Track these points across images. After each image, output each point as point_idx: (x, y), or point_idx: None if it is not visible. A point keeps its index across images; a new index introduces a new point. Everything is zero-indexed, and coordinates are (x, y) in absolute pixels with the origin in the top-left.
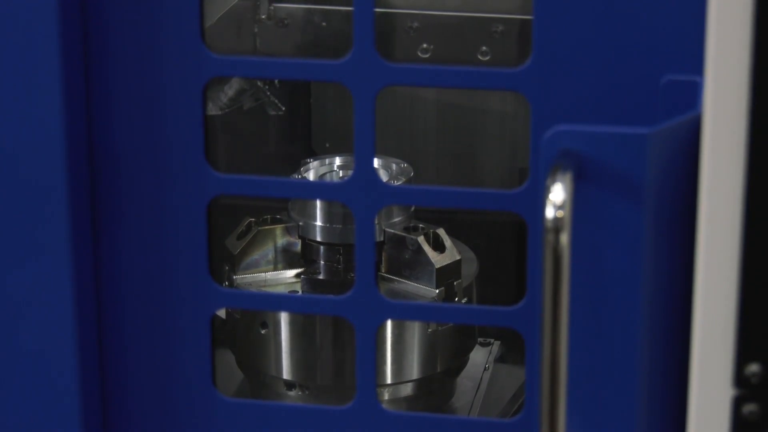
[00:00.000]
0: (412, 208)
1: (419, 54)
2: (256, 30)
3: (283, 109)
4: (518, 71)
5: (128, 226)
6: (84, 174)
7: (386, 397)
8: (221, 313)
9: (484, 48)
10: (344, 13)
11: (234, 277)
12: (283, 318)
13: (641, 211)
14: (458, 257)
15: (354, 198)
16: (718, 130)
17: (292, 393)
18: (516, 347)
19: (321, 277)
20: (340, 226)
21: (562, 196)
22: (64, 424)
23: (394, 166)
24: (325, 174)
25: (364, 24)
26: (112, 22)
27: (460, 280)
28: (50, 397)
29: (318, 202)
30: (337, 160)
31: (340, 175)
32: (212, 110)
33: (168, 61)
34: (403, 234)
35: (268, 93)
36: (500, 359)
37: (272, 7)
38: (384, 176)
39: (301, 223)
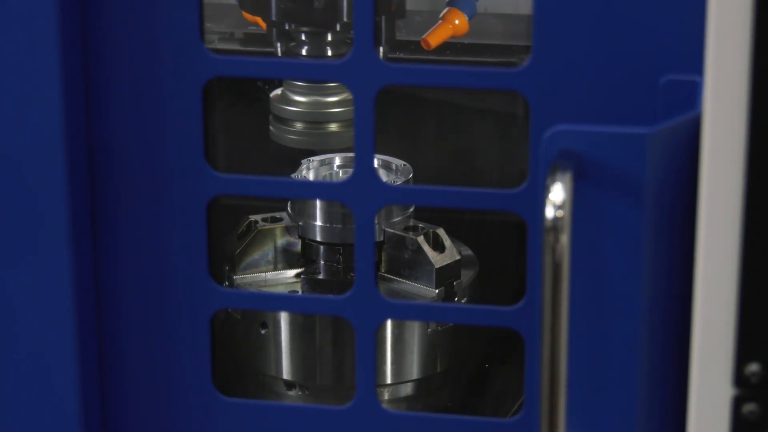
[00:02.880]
0: (412, 208)
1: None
2: None
3: None
4: (518, 71)
5: (128, 226)
6: (84, 174)
7: (386, 397)
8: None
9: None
10: None
11: (234, 277)
12: (283, 318)
13: (641, 211)
14: (458, 257)
15: (354, 198)
16: (718, 130)
17: (292, 393)
18: (516, 347)
19: (321, 277)
20: (340, 226)
21: (562, 196)
22: (64, 424)
23: (394, 166)
24: (325, 174)
25: (364, 24)
26: (112, 22)
27: (459, 280)
28: (50, 397)
29: (318, 202)
30: (337, 160)
31: (340, 175)
32: None
33: (168, 61)
34: (403, 234)
35: (268, 93)
36: (500, 359)
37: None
38: (384, 176)
39: (301, 223)
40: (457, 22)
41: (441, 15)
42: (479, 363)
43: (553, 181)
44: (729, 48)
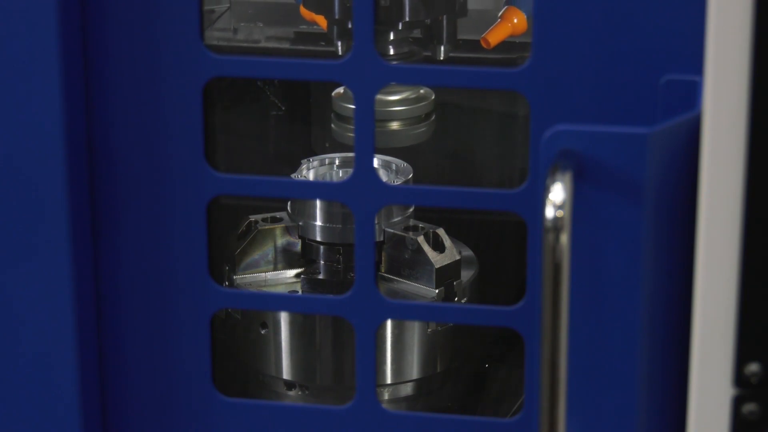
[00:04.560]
0: (412, 208)
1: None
2: None
3: (283, 109)
4: (518, 71)
5: (128, 226)
6: (83, 174)
7: (386, 397)
8: (221, 312)
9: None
10: None
11: (234, 277)
12: (283, 318)
13: (641, 211)
14: (458, 257)
15: (354, 198)
16: (717, 130)
17: (292, 393)
18: (516, 347)
19: (321, 277)
20: (340, 226)
21: (562, 196)
22: (64, 425)
23: (394, 166)
24: (325, 174)
25: (364, 24)
26: (112, 22)
27: (459, 280)
28: (50, 397)
29: (318, 202)
30: (337, 160)
31: (340, 175)
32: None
33: (168, 61)
34: (403, 234)
35: (268, 93)
36: (500, 359)
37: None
38: (384, 176)
39: (301, 223)
40: (515, 20)
41: (500, 14)
42: (479, 363)
43: (553, 181)
44: (729, 48)
